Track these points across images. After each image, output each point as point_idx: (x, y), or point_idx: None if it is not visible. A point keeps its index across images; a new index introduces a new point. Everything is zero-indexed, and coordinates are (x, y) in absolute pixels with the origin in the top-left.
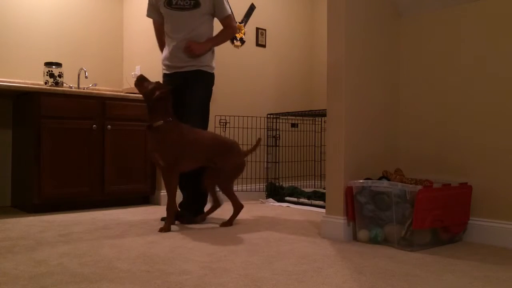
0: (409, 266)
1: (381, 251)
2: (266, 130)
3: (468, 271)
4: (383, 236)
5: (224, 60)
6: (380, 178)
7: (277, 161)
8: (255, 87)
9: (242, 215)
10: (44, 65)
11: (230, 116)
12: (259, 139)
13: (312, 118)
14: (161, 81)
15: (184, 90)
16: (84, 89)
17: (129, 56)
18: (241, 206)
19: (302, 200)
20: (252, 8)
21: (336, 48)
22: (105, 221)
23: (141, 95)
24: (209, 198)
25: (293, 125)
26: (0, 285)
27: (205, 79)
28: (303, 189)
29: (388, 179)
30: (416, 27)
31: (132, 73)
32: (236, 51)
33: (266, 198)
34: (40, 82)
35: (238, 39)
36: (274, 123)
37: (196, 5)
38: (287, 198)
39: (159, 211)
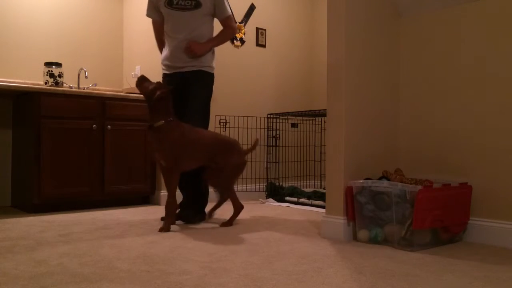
0: (409, 266)
1: (381, 251)
2: (266, 130)
3: (468, 271)
4: (383, 236)
5: (224, 60)
6: (380, 178)
7: (277, 161)
8: (255, 87)
9: (242, 215)
10: (44, 65)
11: (230, 116)
12: (257, 140)
13: (312, 118)
14: (161, 81)
15: (184, 90)
16: (84, 89)
17: (129, 56)
18: (241, 207)
19: (302, 200)
20: (252, 8)
21: (336, 48)
22: (105, 221)
23: (141, 95)
24: (211, 196)
25: (293, 125)
26: (0, 285)
27: (206, 79)
28: (303, 189)
29: (388, 179)
30: (416, 27)
31: (132, 73)
32: (236, 51)
33: (266, 198)
34: (40, 82)
35: (238, 39)
36: (274, 123)
37: (197, 5)
38: (287, 198)
39: (159, 211)
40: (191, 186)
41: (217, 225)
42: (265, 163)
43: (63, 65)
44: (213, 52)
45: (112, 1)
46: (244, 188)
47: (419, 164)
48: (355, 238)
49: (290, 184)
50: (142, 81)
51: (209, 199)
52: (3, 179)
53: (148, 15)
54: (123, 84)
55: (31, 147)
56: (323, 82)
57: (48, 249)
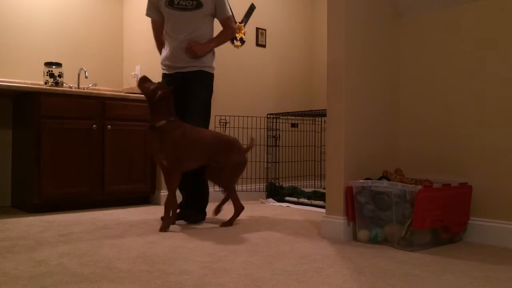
0: (409, 266)
1: (381, 251)
2: (266, 130)
3: (468, 271)
4: (383, 236)
5: (224, 60)
6: (380, 178)
7: (277, 161)
8: (255, 87)
9: (242, 215)
10: (44, 65)
11: (230, 116)
12: (252, 139)
13: (312, 118)
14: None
15: (185, 90)
16: (84, 89)
17: (129, 56)
18: (242, 208)
19: (302, 200)
20: (252, 8)
21: (336, 48)
22: (105, 221)
23: (141, 95)
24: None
25: (293, 125)
26: (0, 285)
27: (206, 79)
28: (303, 189)
29: (388, 179)
30: (416, 27)
31: (132, 73)
32: (236, 51)
33: (266, 198)
34: (40, 82)
35: (238, 39)
36: (274, 123)
37: (199, 5)
38: (287, 198)
39: (159, 211)
40: (191, 186)
41: (217, 225)
42: (265, 163)
43: (63, 65)
44: (214, 53)
45: (112, 1)
46: (244, 188)
47: (419, 164)
48: (355, 238)
49: (290, 184)
50: (143, 81)
51: (210, 198)
52: (3, 179)
53: (147, 14)
54: (123, 84)
55: (31, 147)
56: (323, 82)
57: (48, 249)
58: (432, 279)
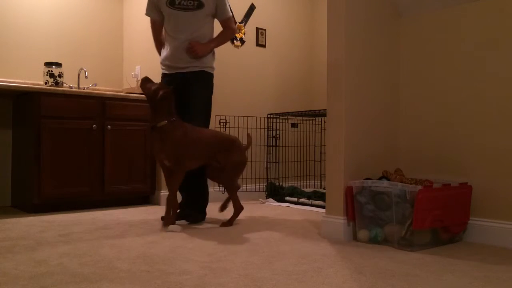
0: (409, 266)
1: (381, 251)
2: (266, 130)
3: (468, 271)
4: (383, 236)
5: (224, 60)
6: (380, 178)
7: (277, 161)
8: (255, 87)
9: (242, 215)
10: (44, 65)
11: (230, 116)
12: (249, 136)
13: (312, 118)
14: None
15: (185, 91)
16: (84, 89)
17: (129, 56)
18: (241, 208)
19: (302, 200)
20: (252, 8)
21: (336, 48)
22: (105, 221)
23: (141, 95)
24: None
25: (293, 125)
26: (0, 285)
27: (206, 80)
28: (303, 189)
29: (388, 179)
30: (416, 27)
31: (132, 73)
32: (236, 51)
33: (266, 198)
34: (40, 82)
35: (238, 39)
36: (274, 123)
37: (200, 5)
38: (287, 198)
39: (159, 211)
40: (191, 186)
41: (217, 225)
42: (265, 163)
43: (63, 65)
44: (214, 53)
45: (112, 1)
46: (244, 188)
47: (419, 164)
48: (355, 238)
49: (290, 184)
50: (145, 82)
51: (210, 198)
52: (3, 179)
53: (147, 14)
54: (123, 84)
55: (31, 147)
56: (323, 82)
57: (48, 249)
58: (432, 279)
